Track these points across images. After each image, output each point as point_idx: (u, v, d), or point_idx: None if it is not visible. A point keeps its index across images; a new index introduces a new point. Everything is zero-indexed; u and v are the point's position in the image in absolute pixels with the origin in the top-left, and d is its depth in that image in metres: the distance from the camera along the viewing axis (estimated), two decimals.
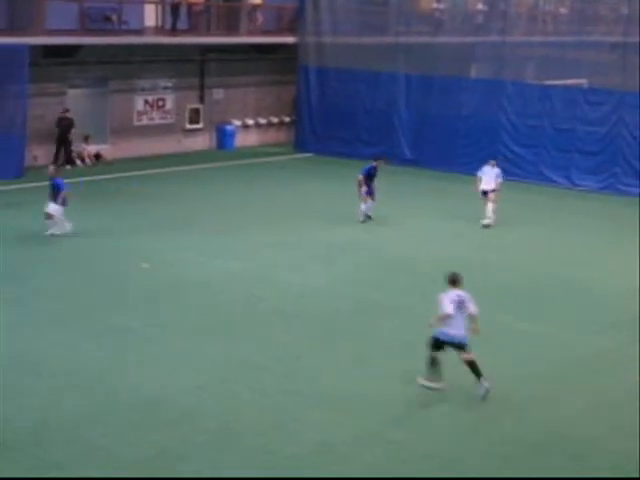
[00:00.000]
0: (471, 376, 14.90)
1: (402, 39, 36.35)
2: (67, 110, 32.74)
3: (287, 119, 39.70)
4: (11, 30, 30.90)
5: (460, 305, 14.83)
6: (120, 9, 33.34)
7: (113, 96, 34.70)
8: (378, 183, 26.62)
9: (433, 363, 15.01)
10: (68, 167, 32.95)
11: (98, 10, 33.09)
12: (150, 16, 35.19)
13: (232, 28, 37.27)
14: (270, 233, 25.10)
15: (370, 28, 37.41)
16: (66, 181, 24.51)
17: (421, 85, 35.66)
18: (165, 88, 36.25)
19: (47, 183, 24.39)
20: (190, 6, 35.55)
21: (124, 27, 33.46)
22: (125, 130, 35.13)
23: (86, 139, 33.78)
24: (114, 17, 33.15)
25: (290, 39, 38.07)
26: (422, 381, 15.12)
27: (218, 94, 37.80)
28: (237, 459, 12.95)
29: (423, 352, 15.19)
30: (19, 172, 30.70)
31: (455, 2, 37.96)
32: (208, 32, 36.43)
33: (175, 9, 34.97)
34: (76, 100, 33.81)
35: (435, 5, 37.86)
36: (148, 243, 23.66)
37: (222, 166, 34.81)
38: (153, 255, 22.47)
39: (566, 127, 33.42)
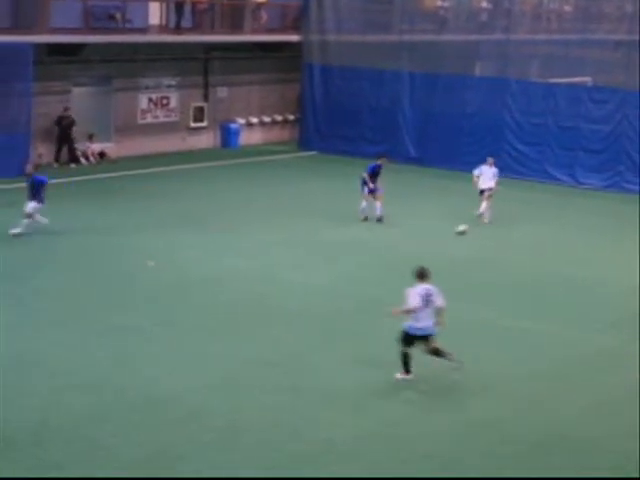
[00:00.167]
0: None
1: (406, 37, 36.36)
2: (68, 109, 32.79)
3: (291, 117, 39.71)
4: (15, 28, 30.95)
5: (427, 299, 15.17)
6: (124, 7, 33.37)
7: (117, 94, 34.73)
8: (382, 181, 26.61)
9: (405, 358, 15.42)
10: (73, 165, 33.09)
11: (102, 8, 33.11)
12: (154, 14, 35.20)
13: (236, 26, 37.26)
14: (274, 231, 25.12)
15: (374, 26, 37.43)
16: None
17: (425, 83, 35.65)
18: (169, 86, 36.29)
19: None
20: (194, 4, 35.59)
21: (128, 25, 33.50)
22: (129, 128, 35.17)
23: (90, 137, 33.84)
24: (118, 15, 33.18)
25: (294, 37, 38.07)
26: (399, 376, 15.48)
27: (222, 92, 37.82)
28: (242, 457, 12.97)
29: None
30: (24, 171, 30.66)
31: (459, 0, 37.91)
32: (212, 30, 36.44)
33: (179, 7, 35.01)
34: (80, 98, 33.87)
35: (439, 3, 37.90)
36: (152, 241, 23.69)
37: (226, 164, 34.83)
38: (157, 253, 22.50)
39: (570, 125, 33.40)
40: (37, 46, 30.54)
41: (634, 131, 32.31)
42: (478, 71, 36.47)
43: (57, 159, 33.04)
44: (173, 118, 36.60)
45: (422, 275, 15.41)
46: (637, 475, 12.94)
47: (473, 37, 35.98)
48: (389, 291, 20.25)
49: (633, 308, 19.63)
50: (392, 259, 22.96)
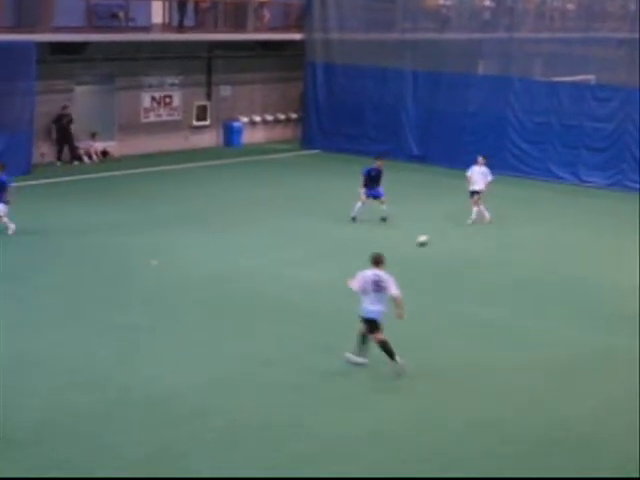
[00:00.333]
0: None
1: (409, 35, 36.37)
2: (66, 107, 32.84)
3: (294, 116, 39.71)
4: (19, 27, 30.99)
5: (377, 284, 15.60)
6: (127, 6, 33.41)
7: (120, 93, 34.76)
8: (384, 181, 26.52)
9: (363, 340, 15.81)
10: (75, 163, 33.13)
11: (105, 7, 33.15)
12: (157, 13, 35.22)
13: (239, 25, 37.29)
14: (276, 230, 25.14)
15: (377, 24, 37.39)
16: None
17: (428, 82, 35.61)
18: (172, 85, 36.31)
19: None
20: (197, 3, 35.63)
21: (131, 24, 33.55)
22: (132, 127, 35.20)
23: (93, 136, 33.88)
24: (121, 14, 33.25)
25: (297, 36, 38.08)
26: (350, 357, 15.92)
27: (225, 91, 37.83)
28: (243, 457, 12.98)
29: (429, 349, 15.21)
30: (27, 170, 30.77)
31: None
32: (215, 29, 36.48)
33: (182, 6, 35.03)
34: (83, 97, 33.93)
35: (442, 1, 37.85)
36: (155, 240, 23.71)
37: (229, 163, 34.84)
38: (160, 252, 22.51)
39: (573, 123, 33.35)
40: (40, 45, 30.58)
41: (637, 129, 32.22)
42: (481, 69, 36.41)
43: (59, 158, 33.10)
44: (176, 117, 36.62)
45: (377, 261, 15.91)
46: (637, 475, 12.93)
47: (476, 35, 35.92)
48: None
49: (632, 307, 19.59)
50: (395, 258, 22.85)
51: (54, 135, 32.96)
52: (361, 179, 26.37)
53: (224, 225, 25.50)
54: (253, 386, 15.29)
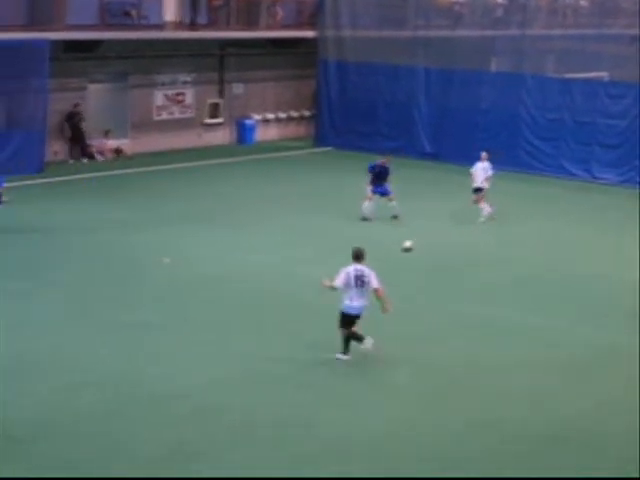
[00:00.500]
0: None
1: (421, 33, 36.31)
2: (78, 104, 32.98)
3: (307, 113, 39.71)
4: (32, 25, 31.10)
5: (359, 279, 15.84)
6: (140, 4, 33.48)
7: (133, 91, 34.87)
8: (393, 179, 26.51)
9: (346, 339, 16.01)
10: (85, 161, 33.25)
11: (118, 5, 33.27)
12: (170, 11, 35.30)
13: (252, 22, 37.29)
14: (288, 227, 25.18)
15: (389, 22, 37.38)
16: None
17: (441, 79, 35.57)
18: (185, 83, 36.39)
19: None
20: (210, 0, 35.66)
21: (144, 22, 33.60)
22: (145, 125, 35.30)
23: (106, 134, 34.01)
24: (134, 12, 33.34)
25: (310, 33, 38.06)
26: (340, 356, 16.12)
27: (238, 88, 37.88)
28: (243, 456, 13.01)
29: (428, 348, 15.23)
30: (40, 167, 30.92)
31: None
32: (228, 27, 36.50)
33: (195, 4, 35.09)
34: (96, 95, 34.05)
35: None
36: (166, 238, 23.76)
37: (242, 160, 34.88)
38: (171, 250, 22.54)
39: (586, 120, 33.26)
40: (53, 43, 30.65)
41: None
42: (494, 66, 36.34)
43: (72, 156, 33.24)
44: (189, 114, 36.70)
45: (357, 256, 16.13)
46: (637, 475, 12.93)
47: (488, 32, 35.89)
48: (403, 287, 20.23)
49: (635, 305, 19.52)
50: (404, 256, 22.90)
51: (67, 133, 33.13)
52: (367, 176, 26.38)
53: (236, 223, 25.55)
54: (263, 384, 15.29)
